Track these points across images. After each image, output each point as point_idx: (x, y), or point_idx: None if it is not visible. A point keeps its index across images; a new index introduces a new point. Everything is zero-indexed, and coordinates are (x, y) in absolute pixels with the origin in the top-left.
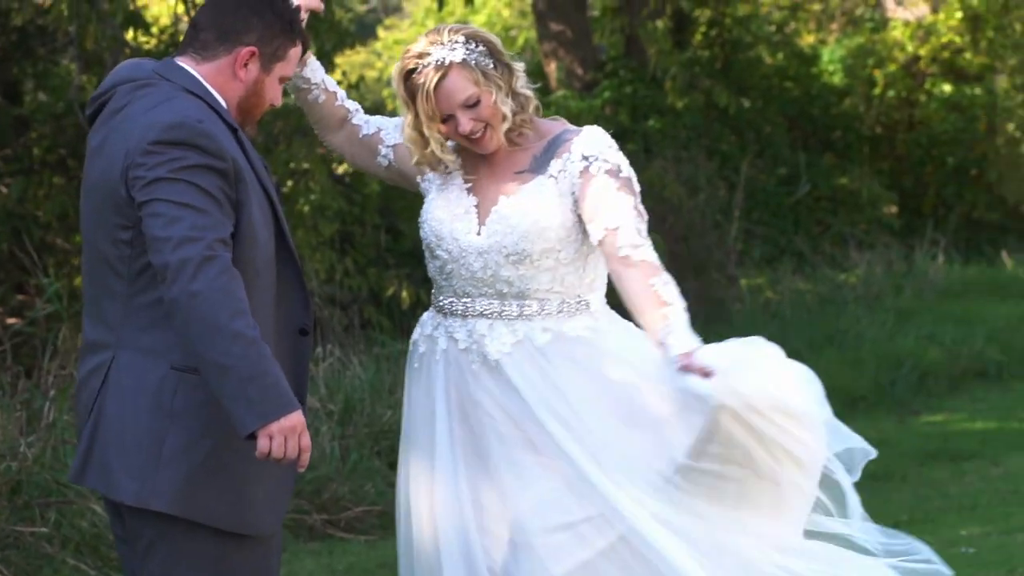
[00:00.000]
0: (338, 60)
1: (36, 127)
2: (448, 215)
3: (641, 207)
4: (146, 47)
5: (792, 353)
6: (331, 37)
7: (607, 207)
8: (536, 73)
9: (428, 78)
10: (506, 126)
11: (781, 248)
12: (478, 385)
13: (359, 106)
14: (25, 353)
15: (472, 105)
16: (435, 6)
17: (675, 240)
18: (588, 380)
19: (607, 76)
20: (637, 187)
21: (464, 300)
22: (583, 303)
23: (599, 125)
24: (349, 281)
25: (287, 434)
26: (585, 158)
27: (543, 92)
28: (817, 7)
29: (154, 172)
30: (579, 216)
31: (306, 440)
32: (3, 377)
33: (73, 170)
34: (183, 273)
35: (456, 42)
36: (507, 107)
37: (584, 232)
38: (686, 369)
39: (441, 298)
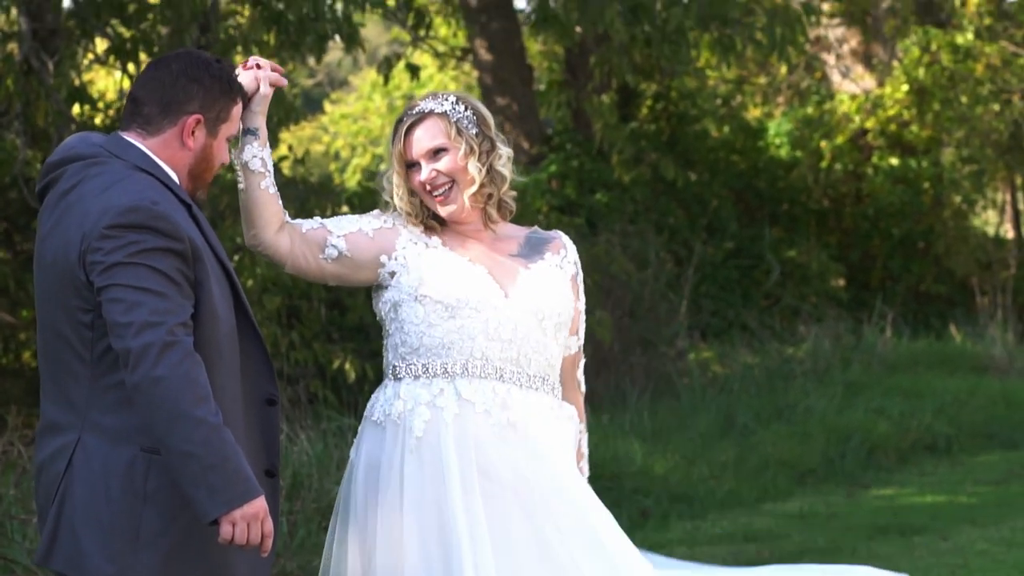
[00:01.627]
0: (284, 135)
1: None
2: (466, 277)
3: None
4: (92, 123)
5: (741, 427)
6: (277, 111)
7: (581, 324)
8: None
9: (404, 123)
10: (472, 190)
11: (729, 322)
12: (501, 450)
13: None
14: None
15: (436, 154)
16: (381, 80)
17: (622, 315)
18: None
19: (553, 150)
20: None
21: (481, 361)
22: (559, 391)
23: (546, 199)
24: (295, 355)
25: (249, 520)
26: (575, 264)
27: None
28: (763, 80)
29: (112, 257)
30: None
31: (268, 526)
32: None
33: (18, 244)
34: (145, 359)
35: (446, 99)
36: (476, 171)
37: None
38: None
39: (448, 361)
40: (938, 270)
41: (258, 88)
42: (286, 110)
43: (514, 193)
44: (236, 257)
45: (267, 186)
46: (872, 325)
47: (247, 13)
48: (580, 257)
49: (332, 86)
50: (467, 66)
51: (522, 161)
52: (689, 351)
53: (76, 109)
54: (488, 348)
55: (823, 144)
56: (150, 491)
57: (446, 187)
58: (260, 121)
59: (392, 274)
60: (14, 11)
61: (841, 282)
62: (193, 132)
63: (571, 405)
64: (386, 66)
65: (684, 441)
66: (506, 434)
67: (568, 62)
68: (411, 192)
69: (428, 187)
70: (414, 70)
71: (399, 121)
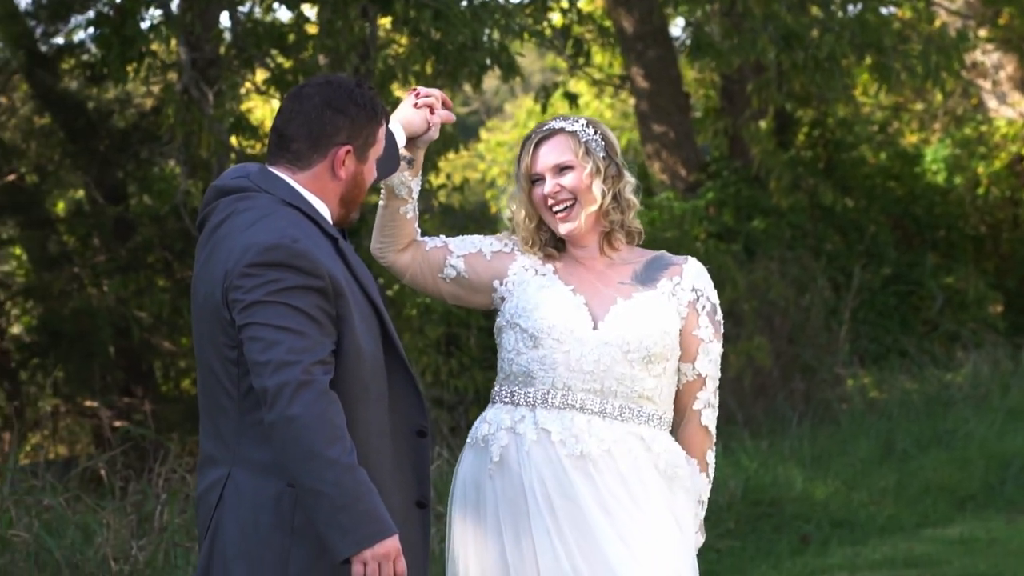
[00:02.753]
0: (441, 163)
1: (141, 230)
2: (559, 307)
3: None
4: (250, 152)
5: (900, 452)
6: (435, 141)
7: (703, 353)
8: (640, 175)
9: (533, 139)
10: (592, 208)
11: (887, 347)
12: (573, 480)
13: None
14: (135, 456)
15: (562, 171)
16: (538, 108)
17: (781, 341)
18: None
19: (710, 177)
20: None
21: (564, 393)
22: (665, 420)
23: (704, 225)
24: (455, 382)
25: (380, 560)
26: (695, 290)
27: (647, 194)
28: (919, 107)
29: (252, 295)
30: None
31: (401, 566)
32: (113, 480)
33: (177, 272)
34: (280, 398)
35: (576, 121)
36: (600, 192)
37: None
38: None
39: (530, 390)
40: None
41: (427, 130)
42: (444, 139)
43: (638, 221)
44: (396, 286)
45: (406, 211)
46: None
47: (405, 42)
48: (739, 283)
49: (488, 114)
50: (624, 94)
51: (679, 188)
52: (848, 377)
53: (234, 139)
54: (570, 379)
55: (980, 170)
56: (297, 526)
57: (568, 204)
58: (419, 155)
59: (502, 299)
60: (174, 41)
61: (999, 308)
62: (344, 162)
63: (667, 436)
64: (544, 94)
65: (844, 467)
66: (581, 464)
67: (724, 89)
68: (529, 216)
69: (550, 201)
70: (572, 98)
71: (527, 138)
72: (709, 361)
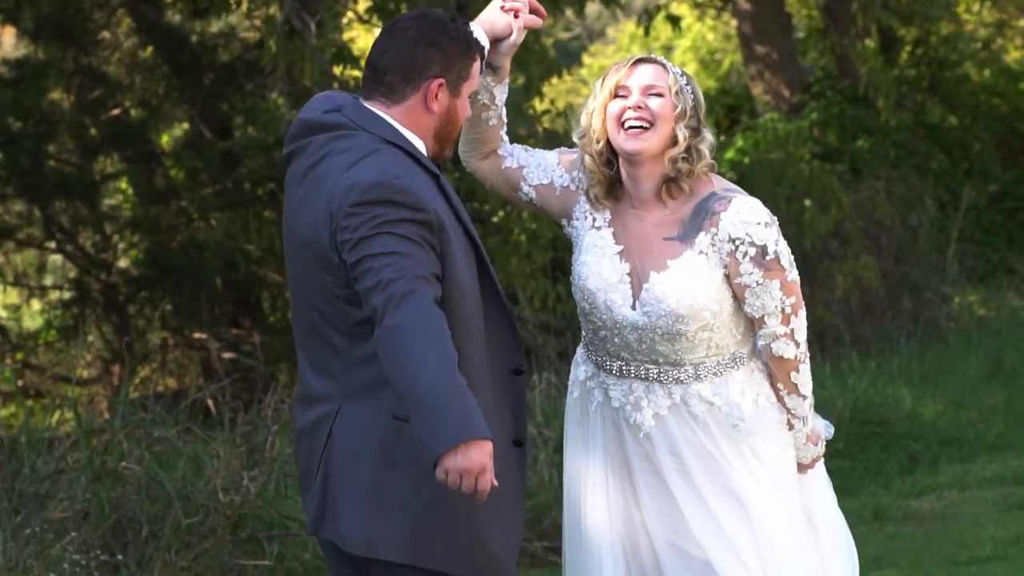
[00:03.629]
0: (544, 88)
1: (246, 162)
2: (602, 284)
3: (793, 278)
4: (352, 82)
5: (1009, 370)
6: (538, 67)
7: (752, 297)
8: (743, 96)
9: (631, 59)
10: (665, 141)
11: (994, 265)
12: (631, 449)
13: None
14: (243, 387)
15: (650, 94)
16: (640, 32)
17: (888, 260)
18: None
19: (814, 97)
20: (788, 258)
21: (619, 363)
22: (738, 357)
23: (808, 146)
24: (562, 308)
25: (462, 473)
26: (732, 240)
27: (750, 115)
28: (1023, 23)
29: (358, 233)
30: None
31: (484, 483)
32: (223, 412)
33: (284, 204)
34: (386, 312)
35: (673, 67)
36: (680, 132)
37: (735, 299)
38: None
39: (594, 354)
40: None
41: (511, 34)
42: (547, 65)
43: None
44: (501, 212)
45: (489, 118)
46: None
47: None
48: (844, 203)
49: (590, 39)
50: (726, 15)
51: (783, 109)
52: (956, 295)
53: (338, 69)
54: (620, 352)
55: None
56: (400, 460)
57: (644, 124)
58: (504, 62)
59: (569, 238)
60: None
61: None
62: (437, 96)
63: (743, 371)
64: (646, 18)
65: (952, 385)
66: (635, 434)
67: (827, 8)
68: (598, 136)
69: (628, 115)
70: (674, 21)
71: (619, 62)
72: (761, 303)
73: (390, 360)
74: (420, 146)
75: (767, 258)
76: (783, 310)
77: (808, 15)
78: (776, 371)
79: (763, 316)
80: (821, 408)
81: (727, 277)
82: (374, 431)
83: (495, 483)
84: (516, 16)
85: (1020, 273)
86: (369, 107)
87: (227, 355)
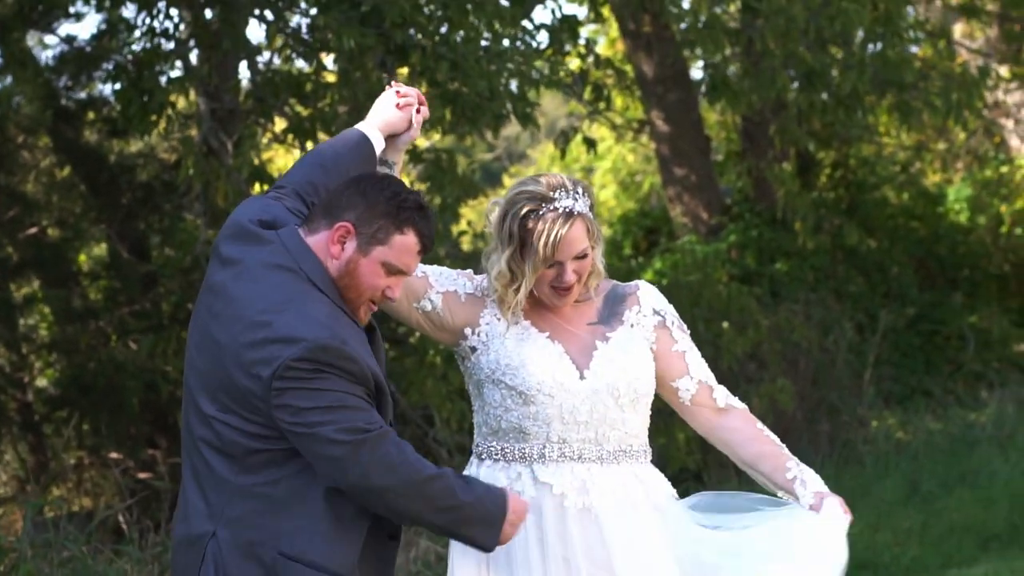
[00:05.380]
0: (464, 210)
1: (164, 282)
2: (545, 364)
3: None
4: None
5: (925, 493)
6: (455, 189)
7: (693, 362)
8: (661, 218)
9: (556, 225)
10: (596, 281)
11: (912, 388)
12: (576, 531)
13: None
14: (156, 507)
15: (580, 257)
16: (559, 154)
17: (805, 383)
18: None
19: (732, 219)
20: None
21: (560, 445)
22: (647, 448)
23: (726, 269)
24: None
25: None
26: (656, 312)
27: (668, 237)
28: (941, 146)
29: (303, 402)
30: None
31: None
32: (133, 531)
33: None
34: (355, 455)
35: (578, 193)
36: (600, 262)
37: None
38: (816, 508)
39: (524, 446)
40: None
41: (407, 128)
42: (465, 186)
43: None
44: (418, 334)
45: None
46: None
47: (424, 91)
48: (763, 326)
49: (511, 159)
50: (644, 138)
51: (701, 231)
52: (873, 418)
53: (256, 188)
54: (565, 432)
55: (1003, 209)
56: None
57: (574, 283)
58: (399, 157)
59: (472, 349)
60: (192, 93)
61: (1023, 347)
62: (341, 241)
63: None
64: (563, 140)
65: (868, 508)
66: (582, 518)
67: (746, 131)
68: (524, 286)
69: (562, 285)
70: (591, 143)
71: (536, 216)
72: (702, 368)
73: (380, 498)
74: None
75: (684, 328)
76: (715, 381)
77: (727, 137)
78: (750, 424)
79: (708, 381)
80: None
81: (652, 352)
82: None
83: None
84: (418, 111)
85: (937, 396)
86: (301, 235)
87: (142, 475)
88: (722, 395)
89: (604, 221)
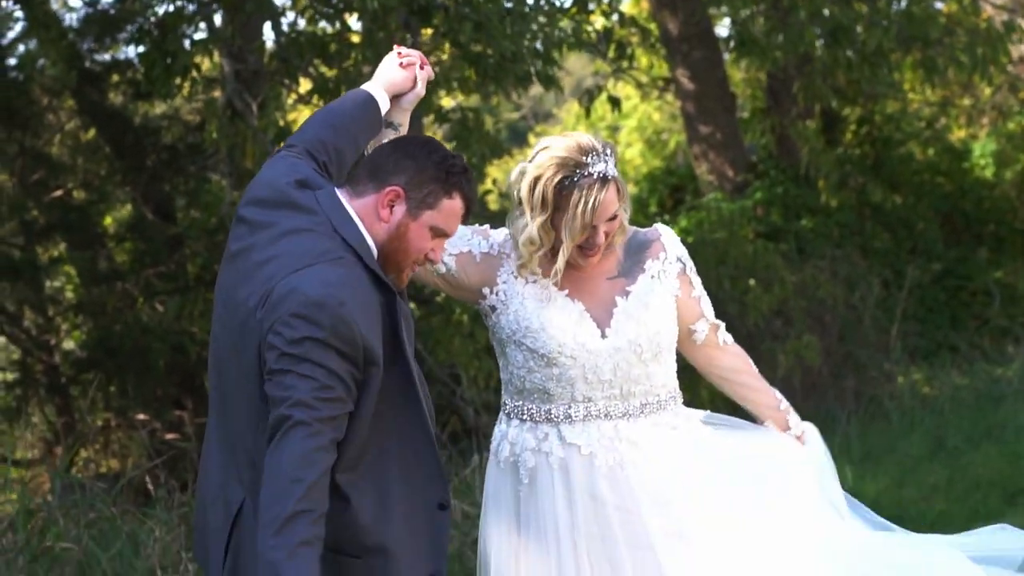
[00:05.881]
0: (490, 168)
1: (190, 244)
2: (566, 324)
3: None
4: None
5: (951, 448)
6: (482, 146)
7: (706, 305)
8: (687, 175)
9: (593, 192)
10: (621, 238)
11: (938, 343)
12: (607, 488)
13: None
14: (181, 467)
15: (612, 218)
16: (584, 113)
17: (831, 339)
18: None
19: (758, 177)
20: None
21: (586, 404)
22: (676, 393)
23: (752, 226)
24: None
25: None
26: (679, 260)
27: (694, 195)
28: (967, 102)
29: (289, 348)
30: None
31: None
32: (161, 492)
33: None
34: (277, 432)
35: (607, 156)
36: (626, 221)
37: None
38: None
39: (550, 407)
40: None
41: (414, 86)
42: (491, 145)
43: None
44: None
45: None
46: None
47: (448, 52)
48: (789, 283)
49: (537, 119)
50: (669, 96)
51: (727, 189)
52: (899, 374)
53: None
54: (589, 391)
55: None
56: None
57: (605, 243)
58: (405, 118)
59: (493, 309)
60: (216, 55)
61: None
62: (391, 204)
63: (680, 405)
64: (588, 99)
65: (894, 463)
66: (613, 475)
67: (771, 89)
68: (554, 251)
69: (594, 246)
70: (615, 102)
71: (571, 182)
72: (710, 308)
73: (265, 488)
74: (373, 247)
75: (697, 274)
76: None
77: (752, 95)
78: (745, 361)
79: (717, 323)
80: None
81: (675, 300)
82: None
83: None
84: (421, 68)
85: (963, 351)
86: (340, 197)
87: (169, 436)
88: (723, 333)
89: (630, 180)
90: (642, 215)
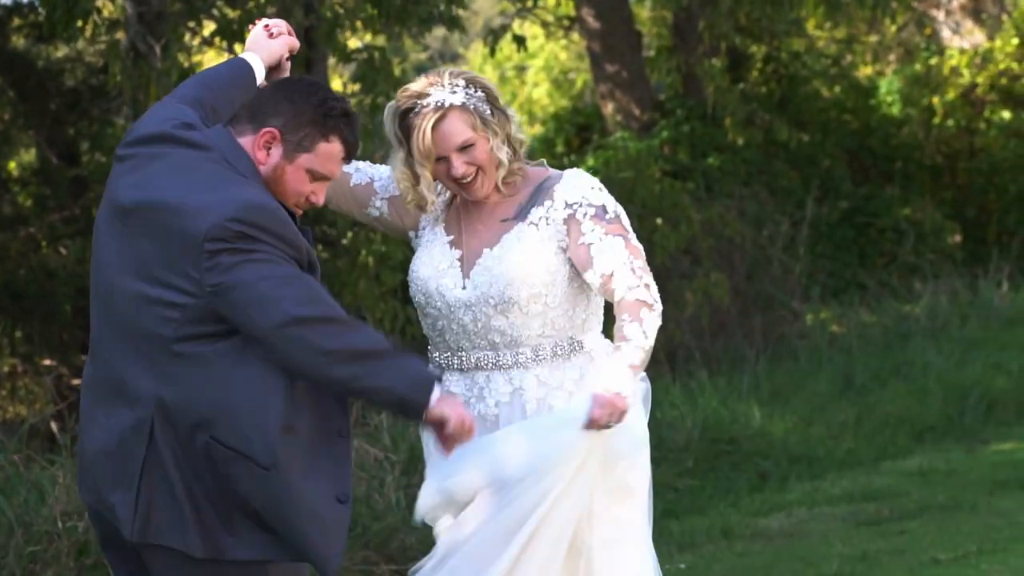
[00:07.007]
0: None
1: (94, 187)
2: (433, 272)
3: (635, 242)
4: None
5: (859, 386)
6: (389, 86)
7: (598, 253)
8: (594, 115)
9: (426, 119)
10: (502, 173)
11: (846, 281)
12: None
13: None
14: None
15: (466, 148)
16: (490, 52)
17: (739, 278)
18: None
19: (664, 115)
20: (627, 222)
21: (459, 354)
22: (576, 344)
23: (659, 164)
24: (412, 330)
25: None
26: (568, 205)
27: (601, 134)
28: (873, 39)
29: (233, 258)
30: (569, 261)
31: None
32: (66, 438)
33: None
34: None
35: (456, 85)
36: (503, 153)
37: (572, 275)
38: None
39: (436, 354)
40: None
41: (289, 55)
42: (397, 85)
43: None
44: (350, 233)
45: None
46: (988, 280)
47: None
48: (696, 222)
49: (443, 60)
50: (575, 35)
51: (634, 128)
52: (807, 312)
53: None
54: (459, 341)
55: (934, 100)
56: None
57: (473, 175)
58: None
59: (415, 248)
60: None
61: (957, 238)
62: (267, 146)
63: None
64: (493, 39)
65: (802, 402)
66: (480, 426)
67: (676, 27)
68: (429, 188)
69: (458, 177)
70: (520, 41)
71: (414, 113)
72: (607, 259)
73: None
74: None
75: (607, 216)
76: (632, 270)
77: (658, 33)
78: (629, 307)
79: (612, 273)
80: (671, 426)
81: (563, 250)
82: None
83: None
84: (290, 35)
85: (871, 289)
86: (231, 135)
87: (76, 382)
88: (623, 285)
89: (537, 120)
90: (549, 155)
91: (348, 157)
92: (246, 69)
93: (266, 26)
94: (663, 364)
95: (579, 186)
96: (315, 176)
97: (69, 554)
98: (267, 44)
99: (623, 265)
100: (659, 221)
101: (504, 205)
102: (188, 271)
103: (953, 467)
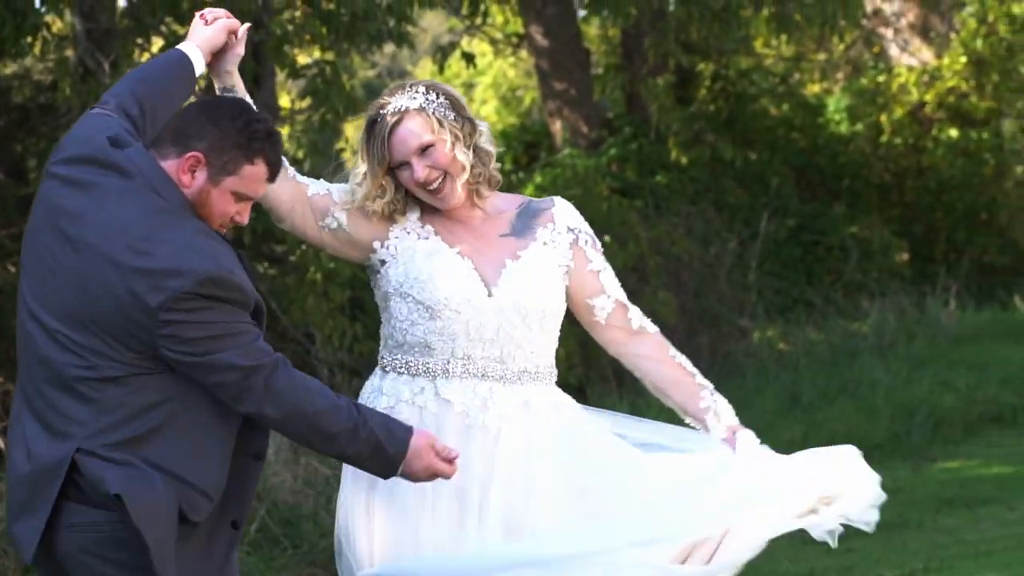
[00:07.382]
0: (347, 126)
1: None
2: (453, 280)
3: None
4: None
5: (806, 404)
6: (339, 102)
7: (608, 281)
8: (542, 132)
9: (385, 125)
10: (464, 177)
11: (793, 299)
12: (475, 449)
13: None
14: None
15: (426, 151)
16: (438, 69)
17: (687, 295)
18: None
19: (612, 133)
20: None
21: (464, 361)
22: (553, 372)
23: (606, 182)
24: (360, 347)
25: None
26: (571, 230)
27: (549, 151)
28: (821, 57)
29: (193, 332)
30: (566, 287)
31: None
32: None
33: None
34: (259, 385)
35: (417, 92)
36: (465, 158)
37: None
38: (730, 443)
39: (429, 361)
40: (1001, 241)
41: (230, 42)
42: (346, 101)
43: (498, 165)
44: (298, 250)
45: None
46: (936, 298)
47: (300, 10)
48: (644, 239)
49: (392, 76)
50: (523, 52)
51: (582, 145)
52: (754, 330)
53: None
54: (470, 348)
55: (882, 118)
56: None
57: (439, 180)
58: (235, 79)
59: (383, 263)
60: (67, 13)
61: (904, 256)
62: (192, 170)
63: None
64: (441, 56)
65: (750, 419)
66: (481, 435)
67: (624, 45)
68: (395, 200)
69: (424, 182)
70: (469, 58)
71: (374, 122)
72: (614, 286)
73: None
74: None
75: (598, 247)
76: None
77: (606, 51)
78: (663, 350)
79: (625, 302)
80: None
81: (566, 274)
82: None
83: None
84: (228, 18)
85: (818, 307)
86: (153, 158)
87: None
88: (637, 317)
89: None
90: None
91: (272, 178)
92: (183, 60)
93: (202, 15)
94: (610, 381)
95: (573, 213)
96: (240, 198)
97: (16, 570)
98: (203, 32)
99: (625, 296)
100: (607, 239)
101: (493, 221)
102: (130, 334)
103: (900, 485)
